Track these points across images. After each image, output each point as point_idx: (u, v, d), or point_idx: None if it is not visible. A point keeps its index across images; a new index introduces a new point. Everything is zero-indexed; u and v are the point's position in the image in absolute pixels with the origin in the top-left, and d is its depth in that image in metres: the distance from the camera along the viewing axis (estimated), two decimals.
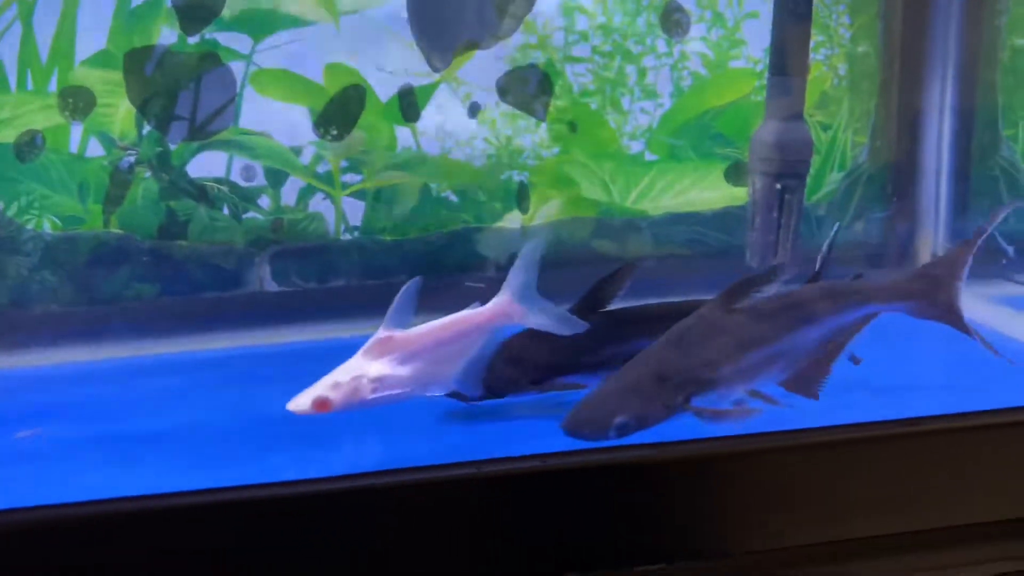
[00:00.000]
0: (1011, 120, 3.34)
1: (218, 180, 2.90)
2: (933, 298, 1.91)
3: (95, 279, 2.80)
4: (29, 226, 2.74)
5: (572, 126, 3.10)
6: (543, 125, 3.08)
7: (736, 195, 3.20)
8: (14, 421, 2.30)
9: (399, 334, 1.82)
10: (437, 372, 1.81)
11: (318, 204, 3.00)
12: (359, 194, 3.03)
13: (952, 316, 1.91)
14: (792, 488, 1.59)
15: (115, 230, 2.81)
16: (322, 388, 1.73)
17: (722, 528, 1.54)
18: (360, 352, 1.80)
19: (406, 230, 3.06)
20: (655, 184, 3.18)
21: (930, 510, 1.64)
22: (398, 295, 1.86)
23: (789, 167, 2.71)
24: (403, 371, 1.77)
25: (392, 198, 3.04)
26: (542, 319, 1.91)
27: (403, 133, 3.02)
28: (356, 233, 3.03)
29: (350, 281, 3.04)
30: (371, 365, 1.76)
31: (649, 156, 3.18)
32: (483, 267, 3.14)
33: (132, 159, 2.79)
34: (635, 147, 3.18)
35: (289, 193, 2.97)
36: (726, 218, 3.23)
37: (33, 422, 2.28)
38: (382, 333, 1.82)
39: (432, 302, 3.20)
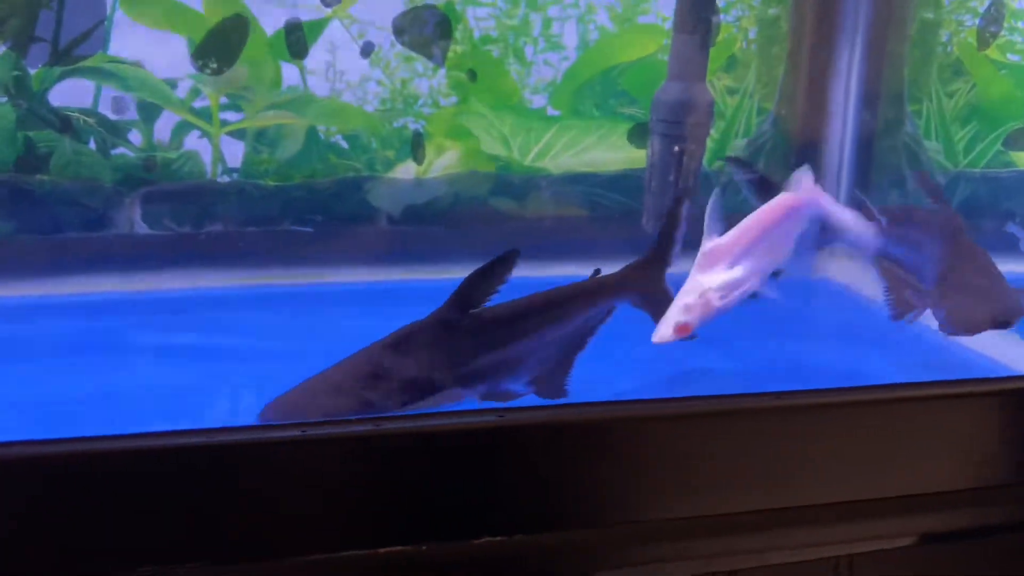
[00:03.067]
0: (916, 96, 3.31)
1: (84, 111, 2.68)
2: (646, 288, 2.00)
3: None
4: None
5: (472, 74, 2.96)
6: (441, 71, 2.93)
7: (639, 157, 3.11)
8: None
9: (721, 240, 1.89)
10: (763, 265, 1.89)
11: (194, 143, 2.80)
12: (239, 134, 2.84)
13: (661, 307, 1.94)
14: (683, 457, 1.51)
15: None
16: (677, 314, 1.82)
17: (614, 496, 1.46)
18: (693, 270, 1.89)
19: (290, 175, 2.88)
20: (556, 141, 3.06)
21: (812, 485, 1.59)
22: (708, 206, 1.94)
23: (688, 129, 2.62)
24: (738, 271, 1.85)
25: (275, 140, 2.86)
26: (840, 210, 2.08)
27: (289, 71, 2.83)
28: (235, 176, 2.85)
29: (227, 227, 2.86)
30: (709, 277, 1.85)
31: (551, 111, 3.06)
32: (374, 218, 2.99)
33: None
34: (537, 101, 3.05)
35: (163, 130, 2.77)
36: (627, 180, 3.14)
37: None
38: (706, 245, 1.90)
39: (316, 252, 3.06)
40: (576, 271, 3.25)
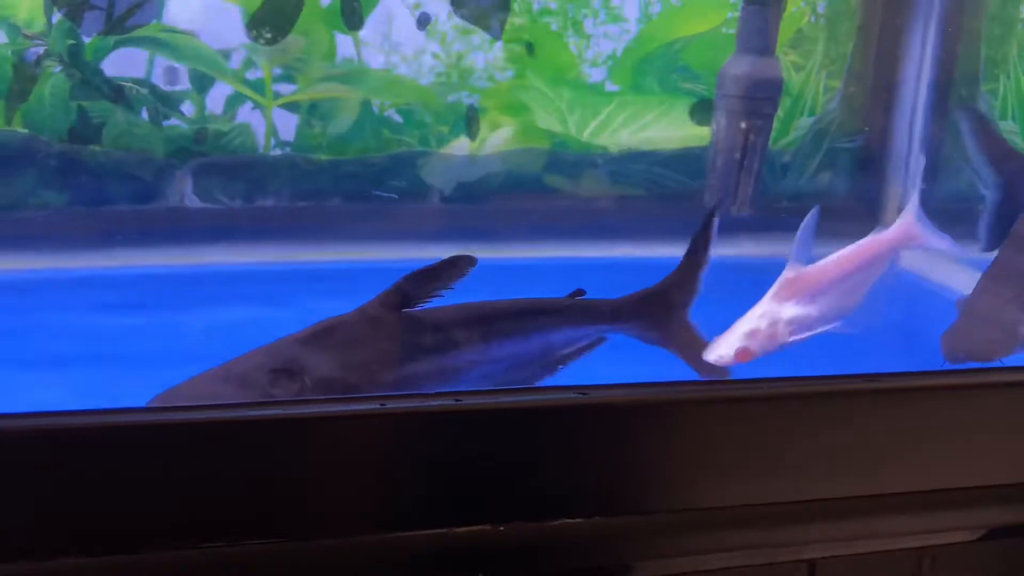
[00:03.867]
0: (993, 74, 3.16)
1: (137, 81, 2.64)
2: (661, 319, 1.78)
3: None
4: None
5: (529, 47, 2.87)
6: (498, 44, 2.84)
7: (700, 135, 3.01)
8: None
9: (807, 270, 1.73)
10: (844, 305, 1.73)
11: (246, 115, 2.76)
12: (292, 106, 2.78)
13: (676, 343, 1.77)
14: (758, 441, 1.42)
15: (19, 129, 2.55)
16: (740, 337, 1.68)
17: (658, 482, 1.38)
18: (770, 294, 1.73)
19: (342, 149, 2.83)
20: (614, 117, 2.97)
21: (879, 474, 1.50)
22: (800, 228, 1.75)
23: (756, 106, 2.51)
24: (814, 308, 1.71)
25: (329, 113, 2.80)
26: (939, 242, 1.83)
27: (344, 42, 2.77)
28: (287, 149, 2.80)
29: (279, 201, 2.81)
30: (784, 307, 1.71)
31: (610, 86, 2.97)
32: (425, 195, 2.93)
33: (40, 51, 2.52)
34: (596, 75, 2.96)
35: (215, 101, 2.72)
36: (687, 159, 3.04)
37: None
38: (790, 272, 1.73)
39: (366, 228, 3.01)
40: (632, 251, 3.18)
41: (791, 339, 1.69)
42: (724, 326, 1.80)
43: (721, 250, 3.08)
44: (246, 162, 2.76)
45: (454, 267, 1.60)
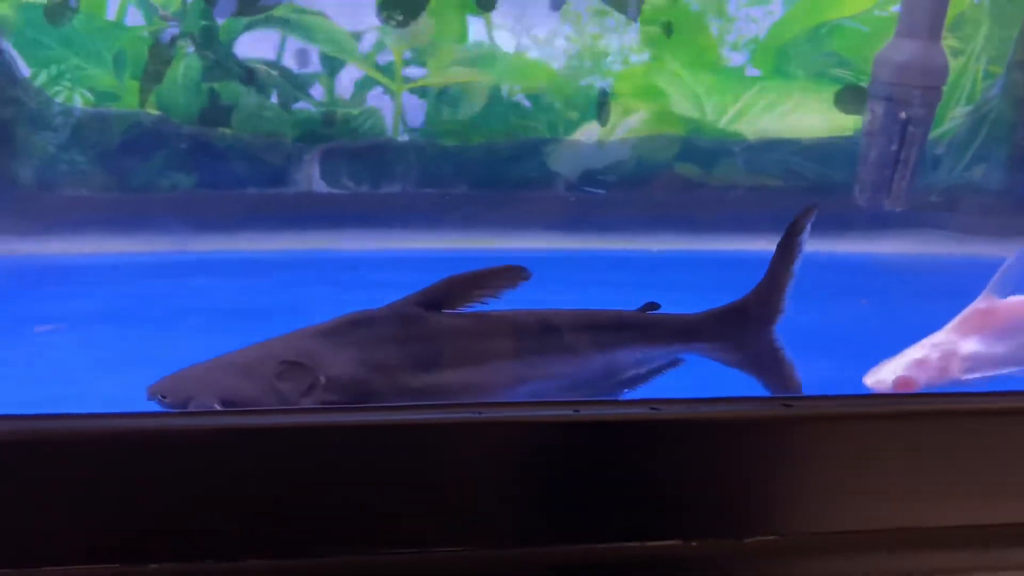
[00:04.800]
0: None
1: (268, 63, 2.60)
2: (739, 341, 1.51)
3: (128, 164, 2.55)
4: (59, 99, 2.48)
5: (667, 29, 2.73)
6: (633, 26, 2.71)
7: (845, 124, 2.82)
8: (35, 312, 2.07)
9: (1002, 304, 1.52)
10: None
11: (375, 99, 2.69)
12: (421, 91, 2.71)
13: (762, 365, 1.50)
14: (877, 461, 1.28)
15: (152, 110, 2.55)
16: (907, 365, 1.50)
17: (792, 502, 1.26)
18: (952, 324, 1.53)
19: (470, 135, 2.74)
20: (754, 104, 2.81)
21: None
22: (1009, 261, 1.53)
23: (918, 95, 2.32)
24: (1002, 347, 1.51)
25: (458, 98, 2.72)
26: None
27: (476, 24, 2.68)
28: (415, 134, 2.73)
29: (405, 187, 2.75)
30: (965, 341, 1.52)
31: (751, 71, 2.81)
32: (551, 184, 2.83)
33: (174, 31, 2.50)
34: (736, 59, 2.80)
35: (345, 84, 2.67)
36: (830, 149, 2.86)
37: (54, 315, 2.05)
38: (982, 303, 1.52)
39: (490, 217, 2.93)
40: (767, 246, 3.02)
41: (965, 377, 1.49)
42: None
43: (866, 246, 2.91)
44: (374, 147, 2.70)
45: (504, 277, 1.39)
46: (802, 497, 1.17)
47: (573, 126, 2.79)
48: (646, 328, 1.49)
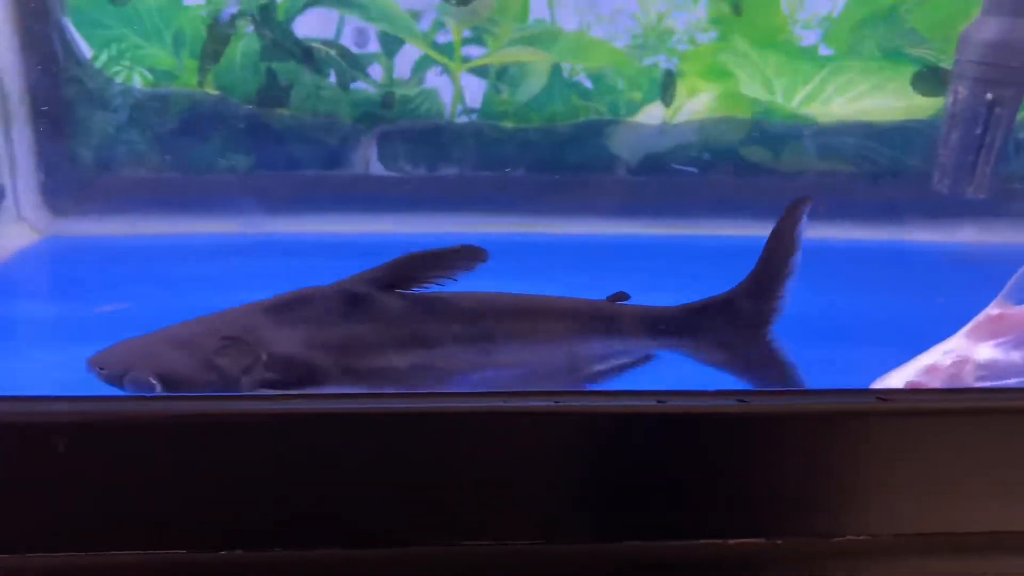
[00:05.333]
0: None
1: (327, 42, 2.57)
2: (722, 340, 1.39)
3: (185, 144, 2.54)
4: (118, 79, 2.47)
5: (736, 7, 2.62)
6: (702, 3, 2.61)
7: (923, 106, 2.69)
8: (95, 293, 2.07)
9: (1016, 311, 1.46)
10: None
11: (433, 79, 2.64)
12: (481, 71, 2.65)
13: (753, 369, 1.38)
14: (966, 460, 1.20)
15: (211, 90, 2.53)
16: (917, 372, 1.43)
17: (878, 501, 1.18)
18: (965, 330, 1.47)
19: (529, 116, 2.68)
20: (827, 85, 2.69)
21: None
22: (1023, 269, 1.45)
23: (1007, 74, 2.19)
24: (1015, 355, 1.43)
25: (518, 78, 2.65)
26: None
27: (537, 2, 2.60)
28: (473, 116, 2.67)
29: (462, 170, 2.70)
30: (978, 348, 1.45)
31: (824, 50, 2.69)
32: (612, 167, 2.75)
33: (233, 10, 2.47)
34: (809, 38, 2.68)
35: (403, 64, 2.62)
36: (906, 132, 2.73)
37: (114, 296, 2.05)
38: (995, 309, 1.47)
39: (550, 201, 2.87)
40: (837, 234, 2.91)
41: (977, 384, 1.41)
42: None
43: (944, 236, 2.78)
44: (431, 129, 2.65)
45: (461, 257, 1.33)
46: (896, 496, 1.10)
47: (636, 107, 2.71)
48: (612, 319, 1.39)
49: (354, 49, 2.57)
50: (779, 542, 1.11)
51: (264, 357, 1.25)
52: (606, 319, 1.39)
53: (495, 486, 1.03)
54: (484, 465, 1.02)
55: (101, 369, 1.24)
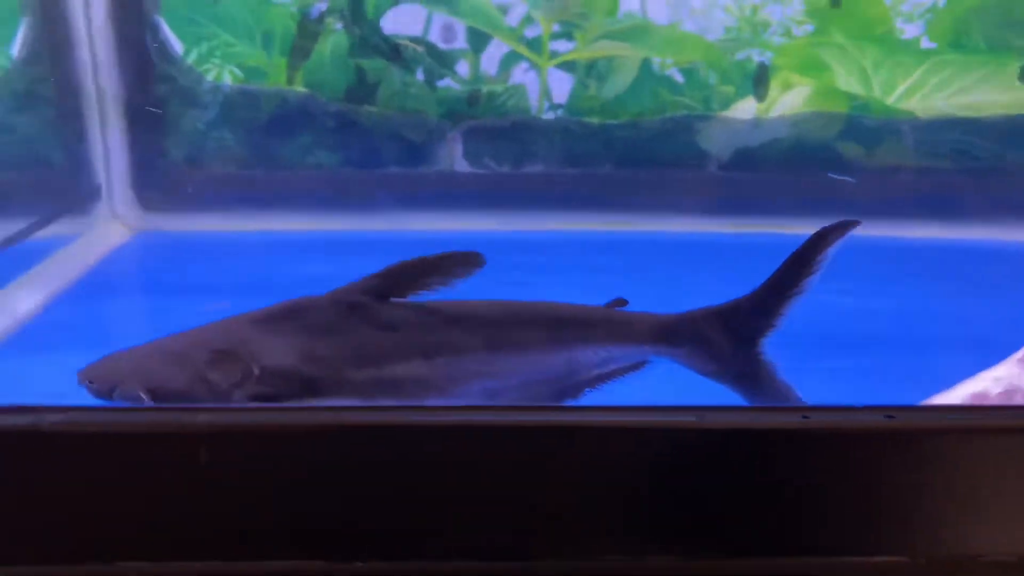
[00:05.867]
0: None
1: (414, 39, 2.54)
2: (715, 350, 1.35)
3: (274, 141, 2.54)
4: (209, 76, 2.48)
5: None
6: None
7: None
8: (192, 291, 2.07)
9: None
10: None
11: (520, 75, 2.60)
12: (568, 66, 2.60)
13: (744, 382, 1.33)
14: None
15: (299, 88, 2.53)
16: (963, 399, 1.36)
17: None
18: (1016, 356, 1.39)
19: (617, 112, 2.62)
20: (929, 79, 2.59)
21: None
22: None
23: None
24: None
25: (606, 73, 2.60)
26: None
27: None
28: (559, 112, 2.63)
29: (548, 167, 2.66)
30: None
31: (927, 43, 2.58)
32: (702, 163, 2.69)
33: (323, 7, 2.47)
34: (910, 31, 2.58)
35: (490, 60, 2.59)
36: (1012, 128, 2.61)
37: (212, 294, 2.04)
38: None
39: (637, 198, 2.81)
40: (936, 233, 2.80)
41: None
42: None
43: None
44: (517, 125, 2.62)
45: (457, 263, 1.30)
46: None
47: (728, 102, 2.64)
48: (611, 326, 1.37)
49: (441, 46, 2.54)
50: (923, 560, 1.05)
51: (256, 371, 1.21)
52: (604, 325, 1.38)
53: (589, 498, 0.99)
54: (593, 474, 0.99)
55: (91, 383, 1.21)
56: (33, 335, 1.78)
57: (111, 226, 2.40)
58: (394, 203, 2.58)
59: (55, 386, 1.20)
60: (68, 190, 2.37)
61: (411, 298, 1.29)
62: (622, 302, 1.41)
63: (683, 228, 2.65)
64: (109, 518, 0.89)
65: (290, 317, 1.26)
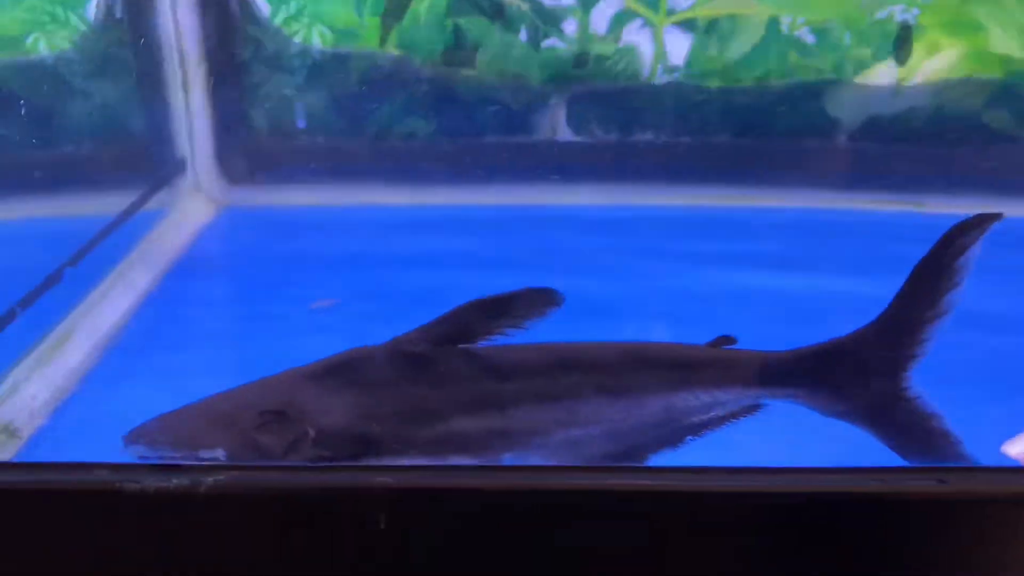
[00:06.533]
0: None
1: None
2: (844, 389, 1.19)
3: (364, 108, 2.36)
4: (296, 38, 2.30)
5: None
6: None
7: None
8: (293, 279, 1.93)
9: None
10: None
11: (633, 35, 2.36)
12: (687, 25, 2.35)
13: (882, 422, 1.17)
14: None
15: (392, 50, 2.33)
16: None
17: None
18: None
19: (739, 75, 2.37)
20: None
21: None
22: None
23: None
24: None
25: (729, 32, 2.34)
26: None
27: None
28: (675, 75, 2.38)
29: (660, 136, 2.43)
30: None
31: None
32: (832, 133, 2.43)
33: None
34: None
35: (600, 18, 2.35)
36: None
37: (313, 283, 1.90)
38: None
39: (757, 170, 2.57)
40: None
41: None
42: None
43: None
44: (628, 90, 2.39)
45: (530, 303, 1.15)
46: None
47: (864, 66, 2.36)
48: (715, 367, 1.23)
49: (547, 2, 2.31)
50: None
51: (311, 432, 1.10)
52: (707, 367, 1.24)
53: None
54: None
55: (137, 447, 1.11)
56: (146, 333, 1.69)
57: (197, 201, 2.26)
58: (491, 175, 2.39)
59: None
60: (151, 163, 2.23)
61: (480, 344, 1.17)
62: (729, 340, 1.26)
63: (809, 204, 2.41)
64: None
65: (345, 371, 1.15)
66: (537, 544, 0.84)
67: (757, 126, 2.43)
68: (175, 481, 0.81)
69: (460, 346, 1.17)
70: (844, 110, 2.41)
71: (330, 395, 1.13)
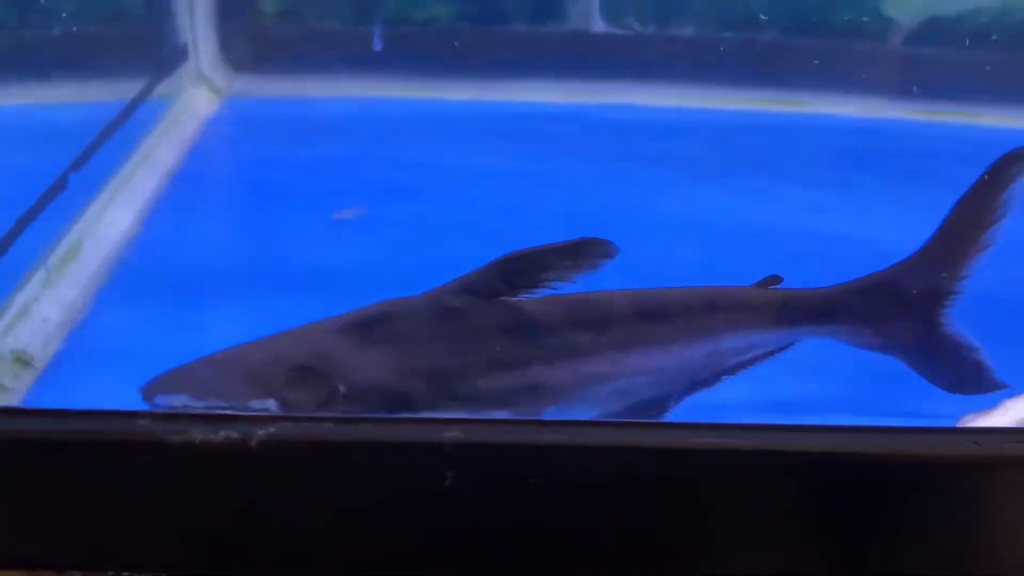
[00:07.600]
0: None
1: None
2: (885, 325, 1.20)
3: None
4: None
5: None
6: None
7: None
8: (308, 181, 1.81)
9: None
10: None
11: None
12: None
13: (925, 357, 1.18)
14: None
15: None
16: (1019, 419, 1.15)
17: None
18: None
19: None
20: None
21: None
22: None
23: None
24: None
25: None
26: None
27: None
28: None
29: (701, 31, 2.26)
30: None
31: None
32: (885, 33, 2.25)
33: None
34: None
35: None
36: None
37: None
38: None
39: (804, 72, 2.38)
40: None
41: None
42: None
43: None
44: None
45: (580, 255, 1.10)
46: None
47: None
48: (767, 308, 1.22)
49: None
50: None
51: (342, 389, 1.05)
52: (755, 308, 1.24)
53: None
54: None
55: (156, 402, 1.05)
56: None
57: (199, 91, 2.11)
58: (517, 68, 2.24)
59: None
60: (150, 48, 2.07)
61: (523, 297, 1.11)
62: (775, 280, 1.25)
63: (859, 113, 2.26)
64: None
65: (379, 324, 1.09)
66: (614, 504, 0.80)
67: (805, 23, 2.26)
68: (223, 433, 0.78)
69: (502, 298, 1.12)
70: (900, 8, 2.23)
71: (361, 351, 1.08)
